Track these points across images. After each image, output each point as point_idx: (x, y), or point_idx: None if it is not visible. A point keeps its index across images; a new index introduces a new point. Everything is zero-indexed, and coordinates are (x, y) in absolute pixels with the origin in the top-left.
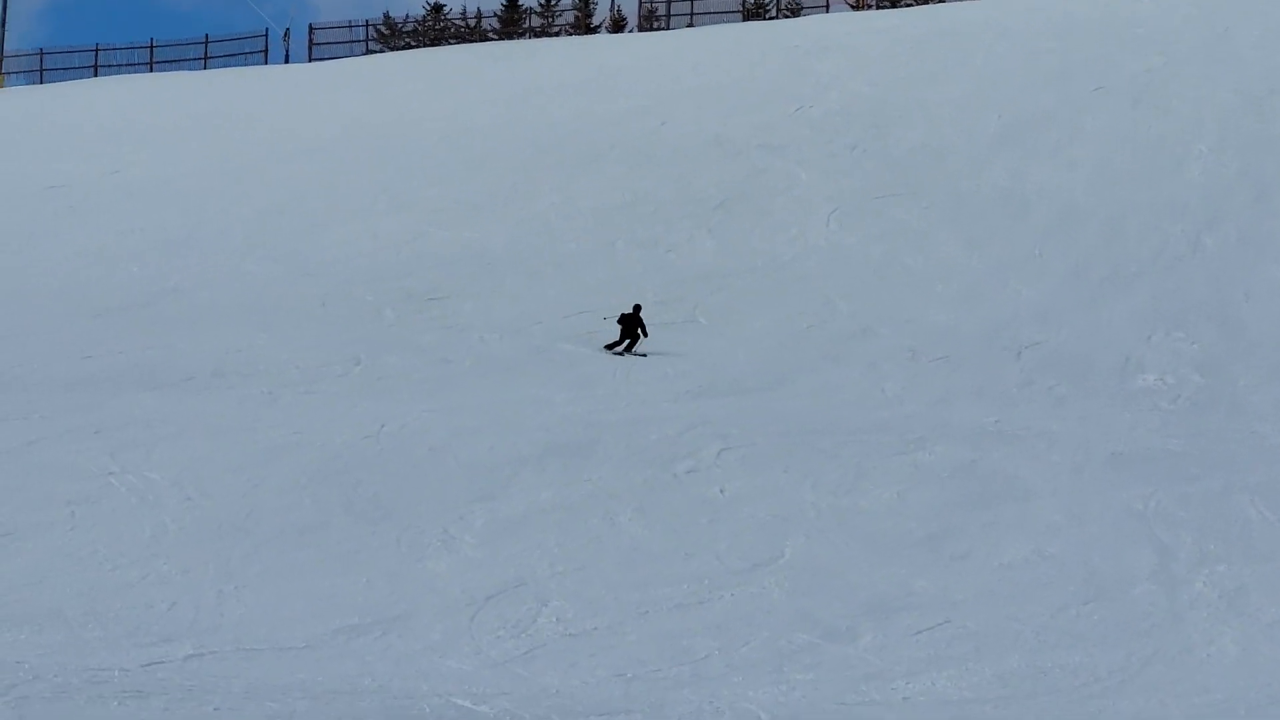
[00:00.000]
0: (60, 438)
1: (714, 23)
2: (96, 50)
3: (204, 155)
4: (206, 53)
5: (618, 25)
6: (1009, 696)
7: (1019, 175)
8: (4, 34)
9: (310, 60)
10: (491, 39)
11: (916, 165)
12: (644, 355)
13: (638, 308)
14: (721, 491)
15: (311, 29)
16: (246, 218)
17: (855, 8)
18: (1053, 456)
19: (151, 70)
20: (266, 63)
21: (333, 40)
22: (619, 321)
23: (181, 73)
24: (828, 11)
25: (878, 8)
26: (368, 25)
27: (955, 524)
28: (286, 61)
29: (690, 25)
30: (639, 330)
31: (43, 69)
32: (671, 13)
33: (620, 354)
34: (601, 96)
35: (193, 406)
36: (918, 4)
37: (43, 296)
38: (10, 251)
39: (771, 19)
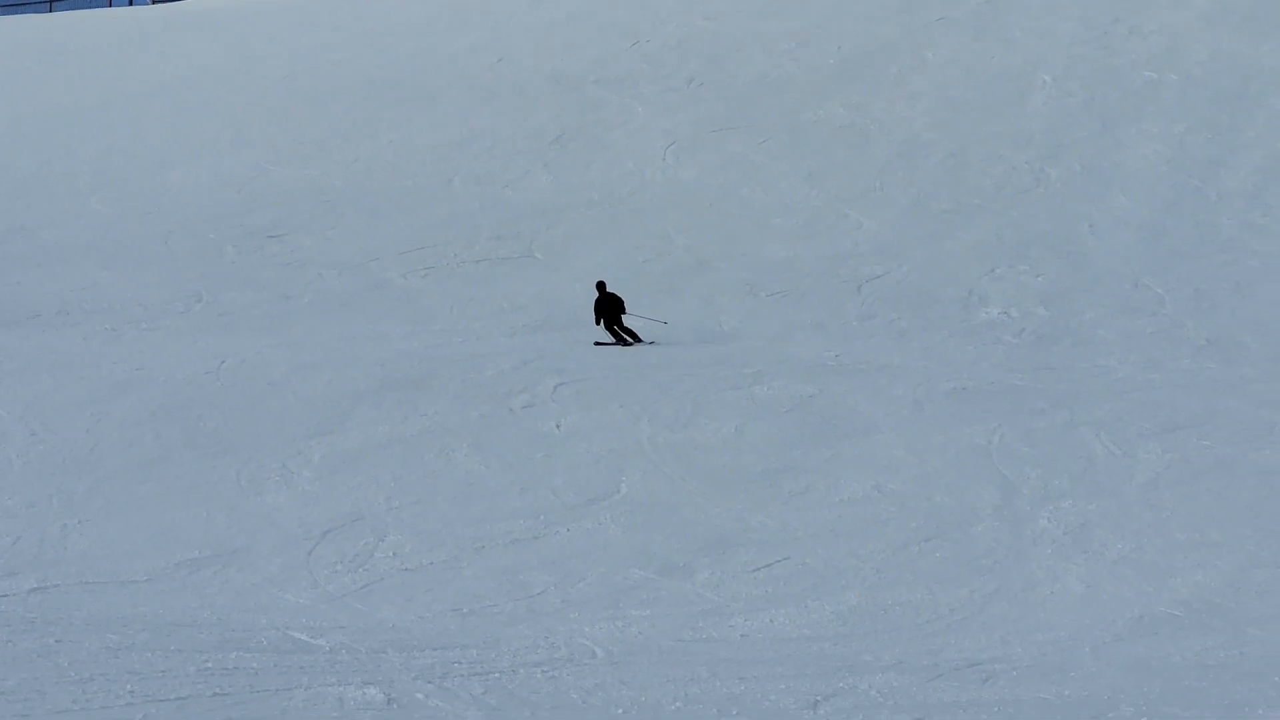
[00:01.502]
0: None
1: None
2: None
3: (49, 96)
4: None
5: None
6: (848, 634)
7: (859, 108)
8: None
9: (154, 2)
10: None
11: (755, 98)
12: (640, 340)
13: (603, 284)
14: (557, 426)
15: None
16: (91, 157)
17: None
18: (894, 391)
19: None
20: (111, 5)
21: None
22: (598, 318)
23: (26, 15)
24: None
25: None
26: None
27: (794, 459)
28: (130, 4)
29: None
30: (620, 311)
31: None
32: None
33: (629, 341)
34: (440, 33)
35: (38, 343)
36: None
37: None
38: None
39: None
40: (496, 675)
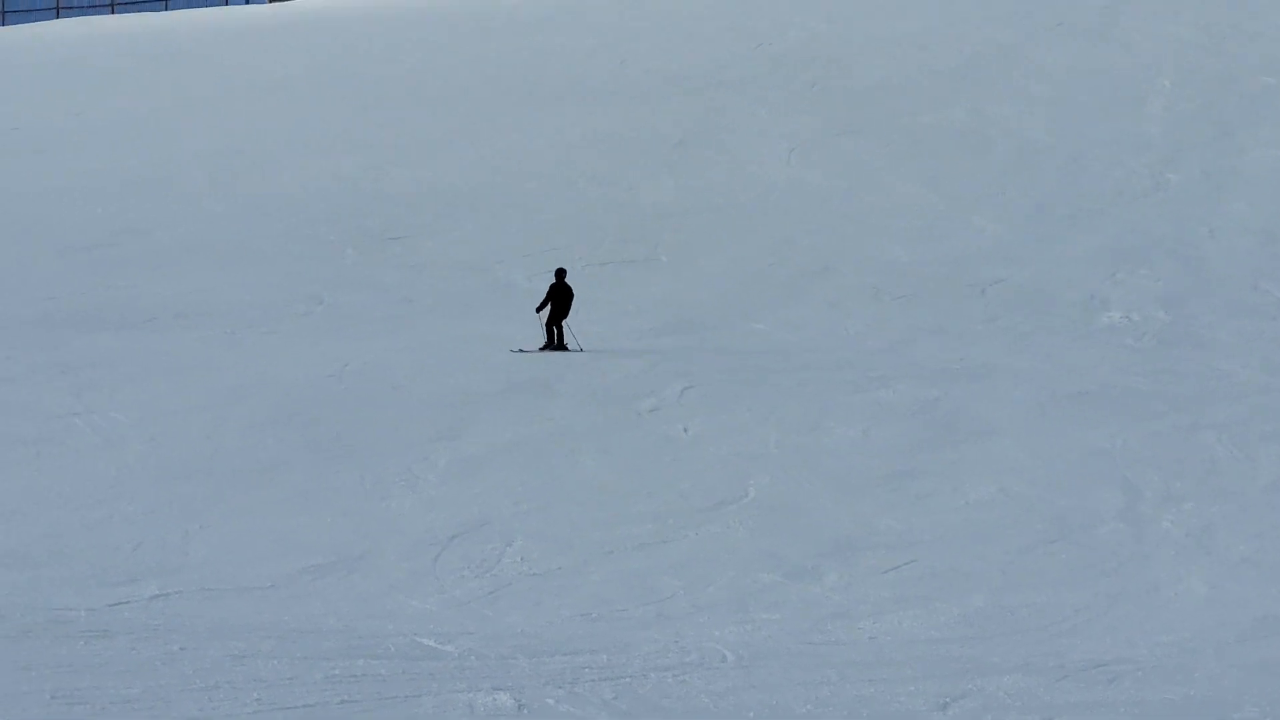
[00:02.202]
0: (24, 378)
1: None
2: None
3: (165, 96)
4: None
5: None
6: (974, 636)
7: (979, 112)
8: None
9: (271, 1)
10: None
11: (876, 102)
12: (580, 349)
13: (563, 272)
14: (684, 430)
15: None
16: (208, 158)
17: None
18: (1017, 394)
19: (113, 11)
20: (227, 3)
21: None
22: (544, 303)
23: (143, 13)
24: None
25: None
26: None
27: (919, 463)
28: (246, 2)
29: None
30: (565, 307)
31: (4, 10)
32: None
33: (555, 346)
34: (561, 35)
35: (155, 346)
36: None
37: (5, 237)
38: None
39: None
40: (626, 680)
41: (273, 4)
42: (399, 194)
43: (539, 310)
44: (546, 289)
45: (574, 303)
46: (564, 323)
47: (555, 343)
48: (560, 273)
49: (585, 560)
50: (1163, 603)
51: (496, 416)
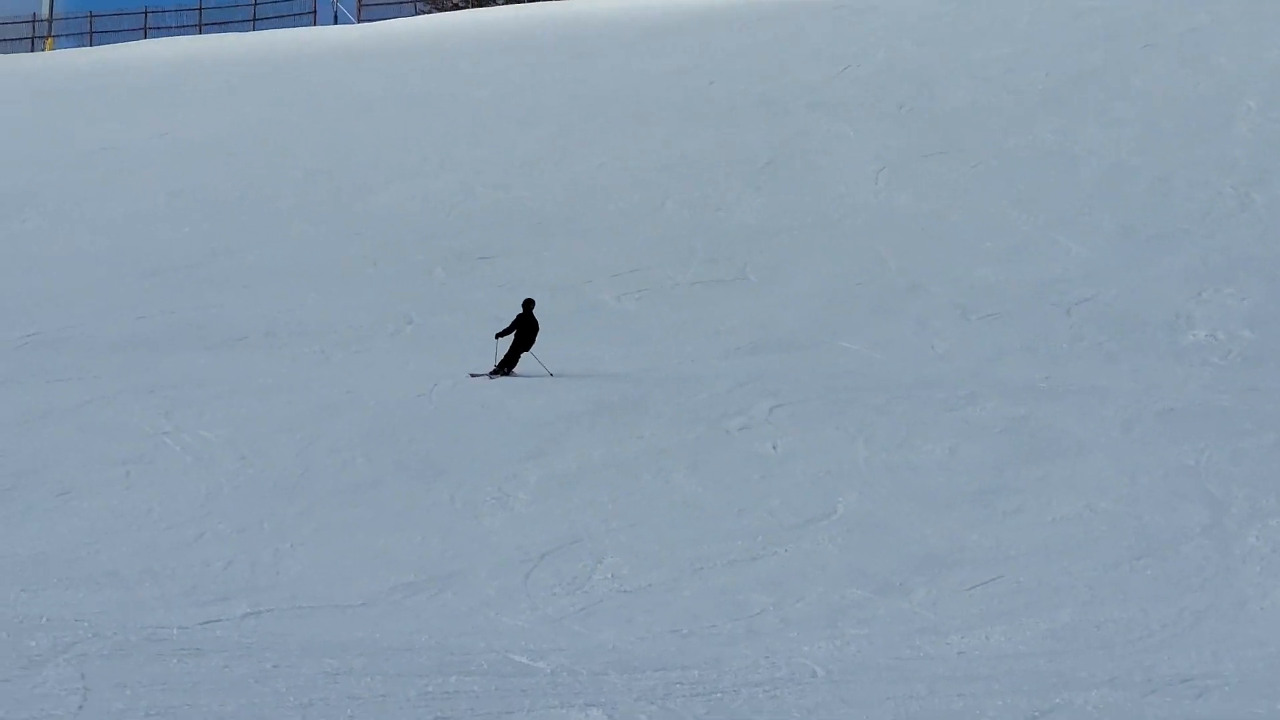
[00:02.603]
0: (115, 398)
1: None
2: (146, 12)
3: (253, 116)
4: (255, 14)
5: None
6: (1062, 650)
7: (1066, 133)
8: None
9: (359, 21)
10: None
11: (963, 123)
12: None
13: (531, 304)
14: (774, 448)
15: None
16: (296, 178)
17: None
18: (1104, 412)
19: (200, 31)
20: (315, 24)
21: (382, 1)
22: (508, 330)
23: (230, 34)
24: None
25: None
26: None
27: (1007, 480)
28: (335, 22)
29: None
30: (529, 338)
31: (92, 31)
32: None
33: (502, 374)
34: (649, 55)
35: (245, 366)
36: None
37: (95, 258)
38: (62, 213)
39: None
40: (718, 695)
41: (361, 24)
42: (488, 214)
43: (499, 336)
44: (514, 317)
45: (538, 336)
46: (528, 353)
47: (506, 367)
48: (528, 303)
49: (676, 577)
50: (1249, 617)
51: (587, 435)
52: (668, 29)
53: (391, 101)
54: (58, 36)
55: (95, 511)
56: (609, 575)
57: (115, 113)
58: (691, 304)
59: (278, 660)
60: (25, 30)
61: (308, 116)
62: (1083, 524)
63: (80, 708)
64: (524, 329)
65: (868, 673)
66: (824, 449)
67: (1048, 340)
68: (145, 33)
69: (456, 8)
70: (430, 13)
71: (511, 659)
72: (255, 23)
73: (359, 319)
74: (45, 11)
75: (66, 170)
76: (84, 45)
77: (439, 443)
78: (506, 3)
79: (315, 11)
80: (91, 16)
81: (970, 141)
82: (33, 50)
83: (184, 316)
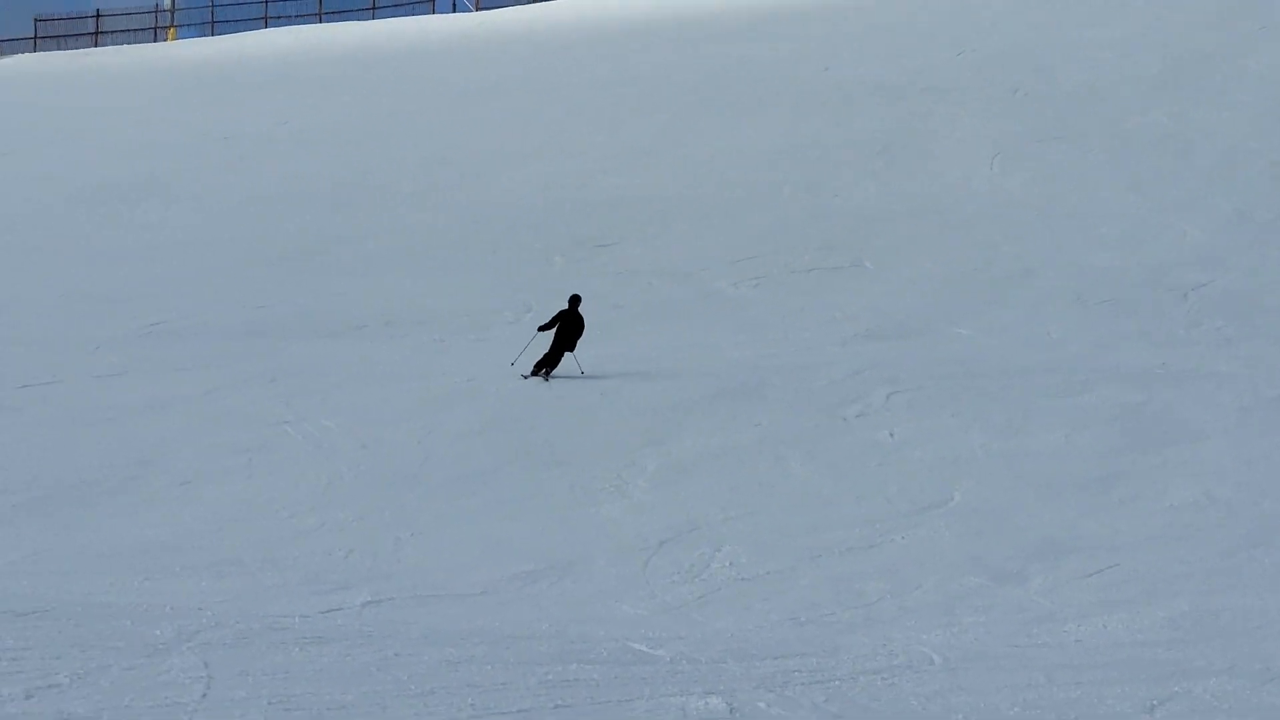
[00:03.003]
0: (236, 386)
1: None
2: (266, 1)
3: (373, 104)
4: (374, 2)
5: None
6: (1180, 639)
7: (1181, 117)
8: None
9: (477, 9)
10: None
11: (1078, 108)
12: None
13: (577, 300)
14: (890, 435)
15: None
16: (415, 166)
17: None
18: (1221, 398)
19: (320, 20)
20: (434, 11)
21: None
22: (548, 326)
23: (349, 22)
24: None
25: None
26: None
27: (1123, 466)
28: (454, 10)
29: None
30: (571, 337)
31: (213, 20)
32: None
33: (539, 375)
34: (764, 41)
35: (364, 354)
36: None
37: (216, 246)
38: (184, 202)
39: None
40: (836, 683)
41: (479, 12)
42: (606, 201)
43: (541, 329)
44: (556, 312)
45: (582, 337)
46: (570, 353)
47: (545, 368)
48: (574, 299)
49: (793, 565)
50: None
51: (704, 422)
52: (782, 15)
53: (509, 89)
54: (180, 26)
55: (217, 500)
56: (727, 563)
57: (236, 102)
58: (808, 290)
59: (398, 648)
60: (148, 21)
61: (426, 104)
62: (1200, 511)
63: (204, 696)
64: (566, 326)
65: (984, 661)
66: (940, 436)
67: (1164, 326)
68: (266, 22)
69: None
70: (545, 1)
71: (630, 647)
72: (374, 11)
73: (478, 306)
74: (168, 2)
75: (188, 159)
76: (205, 35)
77: (558, 430)
78: None
79: None
80: (213, 6)
81: (1085, 126)
82: (155, 40)
83: (304, 305)
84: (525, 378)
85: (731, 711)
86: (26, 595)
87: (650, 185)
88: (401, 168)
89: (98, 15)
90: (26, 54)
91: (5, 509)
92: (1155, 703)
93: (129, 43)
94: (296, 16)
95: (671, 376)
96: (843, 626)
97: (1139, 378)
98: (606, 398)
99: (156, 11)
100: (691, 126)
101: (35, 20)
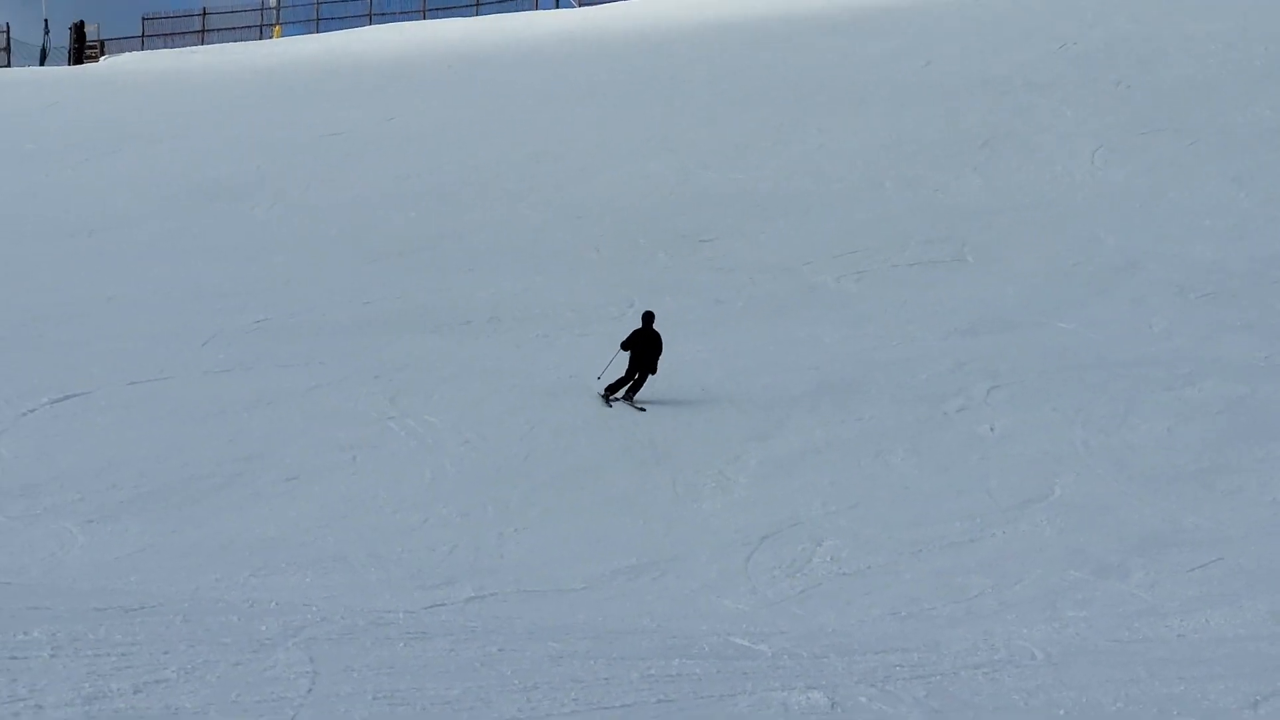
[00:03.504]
0: (341, 382)
1: None
2: None
3: (478, 101)
4: None
5: None
6: None
7: None
8: None
9: (580, 6)
10: None
11: (1182, 100)
12: (643, 409)
13: (651, 317)
14: (991, 429)
15: None
16: (518, 162)
17: None
18: None
19: (424, 17)
20: (537, 8)
21: None
22: (625, 345)
23: (454, 19)
24: None
25: None
26: None
27: (1227, 459)
28: (557, 7)
29: None
30: (649, 358)
31: (318, 18)
32: None
33: (624, 399)
34: (865, 37)
35: (470, 350)
36: None
37: (322, 243)
38: (290, 199)
39: None
40: (938, 678)
41: (581, 9)
42: (708, 197)
43: (623, 347)
44: (631, 331)
45: (661, 358)
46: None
47: (625, 391)
48: (648, 316)
49: (894, 559)
50: None
51: (806, 417)
52: (883, 10)
53: (612, 85)
54: (285, 24)
55: (322, 496)
56: (828, 558)
57: (341, 99)
58: (910, 285)
59: (502, 644)
60: (254, 19)
61: (530, 101)
62: None
63: (309, 690)
64: (643, 346)
65: (1087, 655)
66: (1041, 430)
67: (1268, 318)
68: (370, 19)
69: None
70: None
71: (733, 642)
72: (478, 8)
73: (582, 302)
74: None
75: (294, 156)
76: (310, 32)
77: (660, 426)
78: None
79: None
80: (318, 3)
81: (1188, 118)
82: (260, 38)
83: (410, 301)
84: (603, 397)
85: (833, 706)
86: (134, 591)
87: (751, 181)
88: (506, 164)
89: (204, 14)
90: (134, 52)
91: (113, 505)
92: (1259, 698)
93: (235, 40)
94: (400, 13)
95: (773, 371)
96: (944, 621)
97: (1243, 370)
98: (709, 393)
99: (262, 9)
100: (792, 122)
101: (143, 19)
